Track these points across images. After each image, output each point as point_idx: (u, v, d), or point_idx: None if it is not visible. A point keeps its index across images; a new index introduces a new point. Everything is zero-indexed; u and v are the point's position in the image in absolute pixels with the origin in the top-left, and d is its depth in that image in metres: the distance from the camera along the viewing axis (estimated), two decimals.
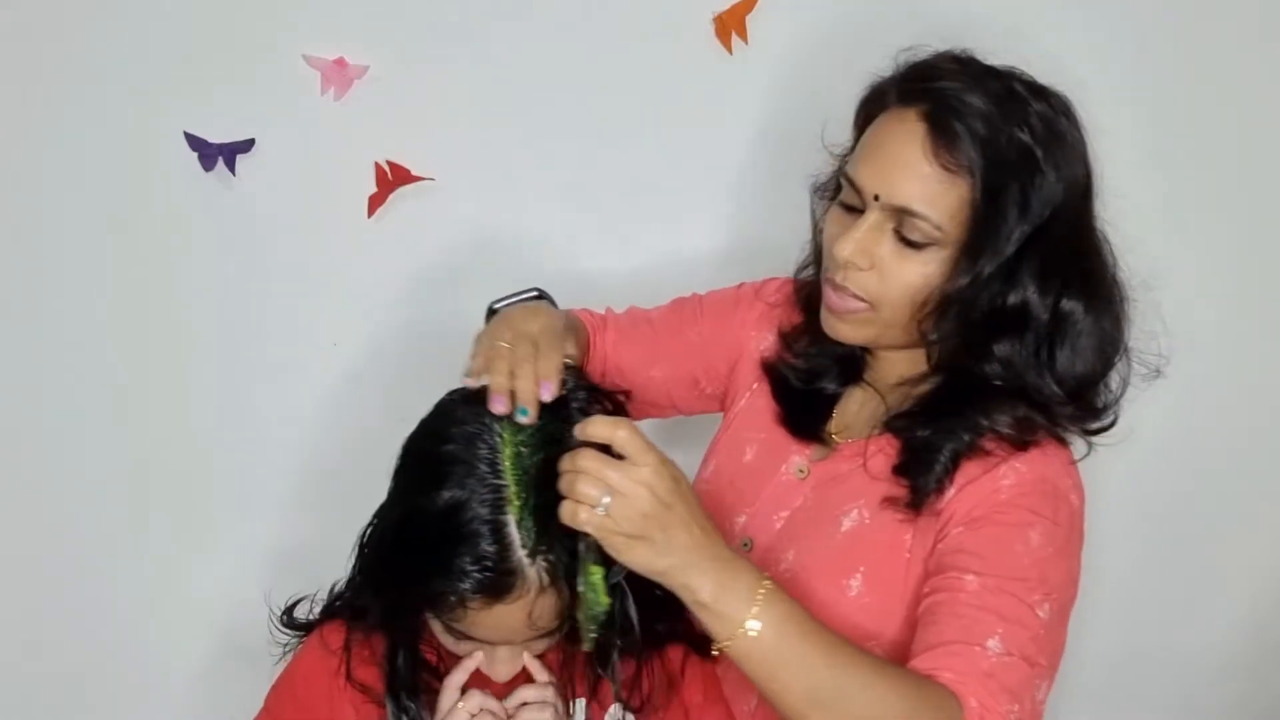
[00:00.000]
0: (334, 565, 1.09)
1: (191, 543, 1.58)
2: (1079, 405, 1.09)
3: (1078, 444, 1.11)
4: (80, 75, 1.46)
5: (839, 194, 1.12)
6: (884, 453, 1.11)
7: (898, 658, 1.04)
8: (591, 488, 0.88)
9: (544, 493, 0.91)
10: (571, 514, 0.89)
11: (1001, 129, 1.03)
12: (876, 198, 1.05)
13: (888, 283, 1.06)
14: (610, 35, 1.51)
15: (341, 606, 1.06)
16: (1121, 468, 1.58)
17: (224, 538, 1.58)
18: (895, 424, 1.12)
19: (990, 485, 1.05)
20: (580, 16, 1.50)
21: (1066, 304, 1.06)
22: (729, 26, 1.50)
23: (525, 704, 0.99)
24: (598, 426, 0.90)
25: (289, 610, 1.08)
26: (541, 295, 1.20)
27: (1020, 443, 1.06)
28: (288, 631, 1.08)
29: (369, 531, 1.03)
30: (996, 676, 0.96)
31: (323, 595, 1.09)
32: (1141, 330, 1.12)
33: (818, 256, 1.19)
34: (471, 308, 1.56)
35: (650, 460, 0.90)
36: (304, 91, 1.47)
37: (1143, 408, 1.64)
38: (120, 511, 1.57)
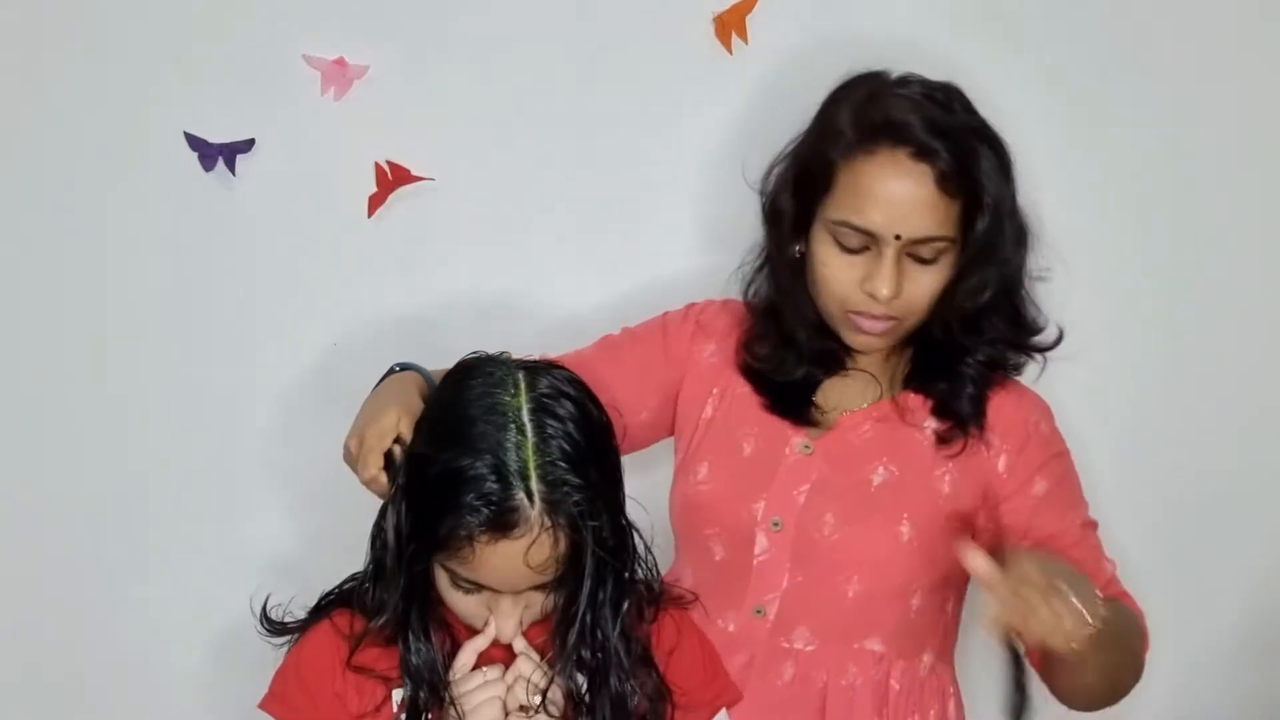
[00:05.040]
0: (332, 566, 1.10)
1: (190, 544, 1.57)
2: (1021, 324, 1.24)
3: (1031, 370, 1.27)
4: (80, 75, 1.46)
5: (800, 231, 1.20)
6: (909, 407, 1.24)
7: (943, 591, 1.24)
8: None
9: (551, 437, 0.97)
10: None
11: (967, 135, 1.15)
12: (898, 237, 1.14)
13: (912, 299, 1.17)
14: (610, 35, 1.51)
15: (355, 596, 1.06)
16: (1120, 468, 1.57)
17: (223, 539, 1.58)
18: (913, 384, 1.25)
19: (1024, 419, 1.23)
20: (580, 16, 1.50)
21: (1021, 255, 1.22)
22: (729, 26, 1.50)
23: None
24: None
25: (265, 615, 1.09)
26: (405, 368, 1.25)
27: (1005, 365, 1.25)
28: (278, 640, 1.08)
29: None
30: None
31: (306, 600, 1.09)
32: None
33: (779, 285, 1.25)
34: (472, 308, 1.56)
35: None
36: (304, 91, 1.47)
37: (1142, 411, 1.64)
38: (118, 512, 1.57)
